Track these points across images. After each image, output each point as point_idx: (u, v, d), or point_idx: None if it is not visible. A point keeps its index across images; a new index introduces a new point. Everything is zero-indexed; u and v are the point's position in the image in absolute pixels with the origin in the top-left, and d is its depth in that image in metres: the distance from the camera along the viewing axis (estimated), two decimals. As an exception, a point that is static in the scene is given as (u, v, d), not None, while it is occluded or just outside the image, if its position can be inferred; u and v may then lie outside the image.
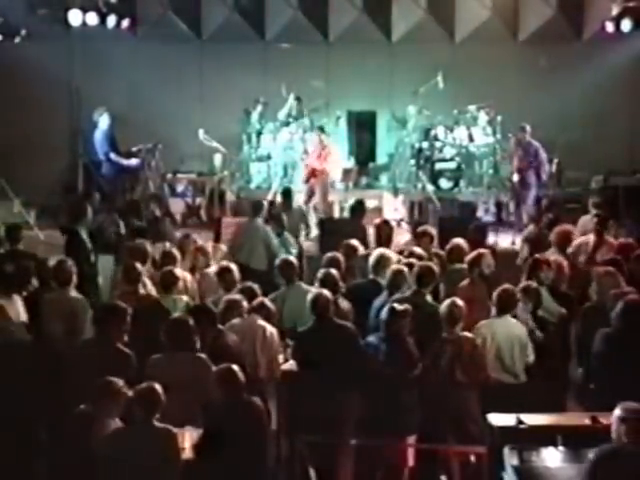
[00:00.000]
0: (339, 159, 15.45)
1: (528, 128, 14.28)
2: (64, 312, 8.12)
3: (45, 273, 8.64)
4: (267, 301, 8.18)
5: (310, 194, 14.63)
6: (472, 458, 7.28)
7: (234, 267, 9.04)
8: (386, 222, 10.68)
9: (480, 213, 14.52)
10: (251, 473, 6.43)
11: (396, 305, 7.65)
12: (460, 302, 7.73)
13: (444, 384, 7.49)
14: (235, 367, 6.58)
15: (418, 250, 9.63)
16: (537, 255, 9.35)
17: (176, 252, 9.64)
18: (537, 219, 11.87)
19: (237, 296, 8.08)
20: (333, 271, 8.74)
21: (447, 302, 7.79)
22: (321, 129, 15.20)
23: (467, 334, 7.67)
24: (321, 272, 8.76)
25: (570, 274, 9.21)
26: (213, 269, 9.59)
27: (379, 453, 7.42)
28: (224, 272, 8.97)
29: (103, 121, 14.05)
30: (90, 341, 7.76)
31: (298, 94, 16.38)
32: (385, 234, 10.08)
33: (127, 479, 6.20)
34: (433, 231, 10.68)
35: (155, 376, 6.70)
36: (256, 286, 8.47)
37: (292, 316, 8.50)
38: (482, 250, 9.21)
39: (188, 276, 9.42)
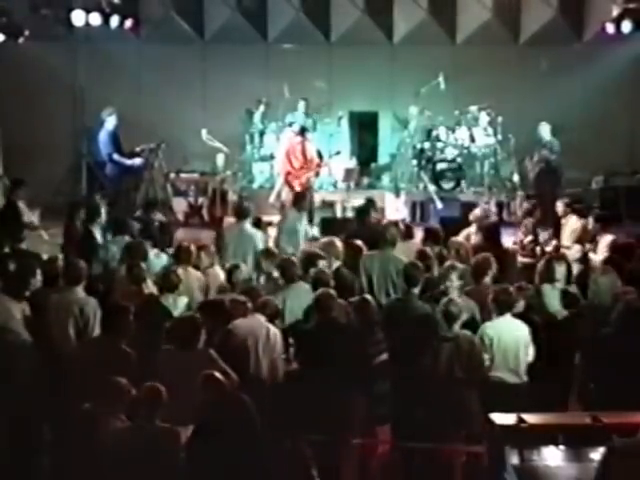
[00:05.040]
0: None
1: None
2: (73, 312, 8.12)
3: (53, 272, 8.66)
4: (271, 301, 8.22)
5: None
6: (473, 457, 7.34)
7: (244, 266, 9.11)
8: (395, 224, 10.64)
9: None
10: (243, 466, 6.45)
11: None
12: (458, 300, 7.80)
13: (444, 382, 7.55)
14: (216, 373, 6.63)
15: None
16: (554, 252, 9.41)
17: (193, 248, 9.68)
18: None
19: (242, 297, 8.12)
20: (326, 271, 8.80)
21: (444, 301, 7.86)
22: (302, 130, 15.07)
23: (465, 332, 7.74)
24: (314, 271, 8.81)
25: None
26: (217, 268, 9.65)
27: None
28: (234, 270, 9.04)
29: (110, 121, 14.05)
30: (93, 340, 7.81)
31: (301, 95, 16.46)
32: (391, 235, 10.03)
33: (130, 478, 6.24)
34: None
35: (165, 374, 6.77)
36: (260, 286, 8.52)
37: (293, 315, 8.54)
38: (486, 254, 9.20)
39: (198, 274, 9.45)
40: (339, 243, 9.81)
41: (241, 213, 11.31)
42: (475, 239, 10.96)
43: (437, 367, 7.55)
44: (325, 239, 10.25)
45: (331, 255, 9.46)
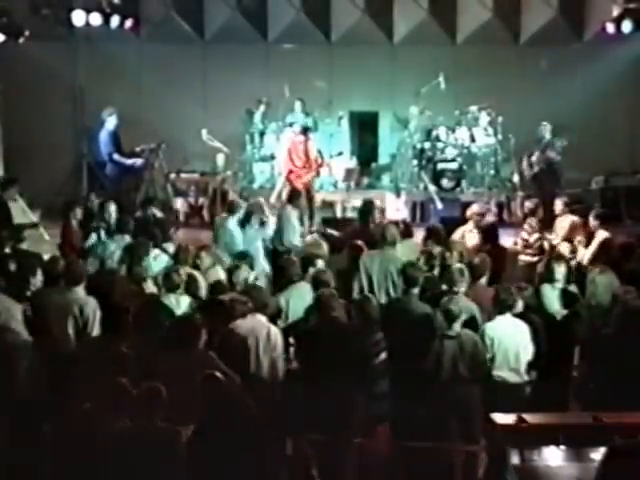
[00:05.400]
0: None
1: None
2: (73, 312, 8.13)
3: (53, 272, 8.66)
4: (273, 301, 8.22)
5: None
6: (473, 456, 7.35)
7: (245, 266, 9.12)
8: (395, 224, 10.61)
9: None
10: (243, 466, 6.45)
11: None
12: (460, 299, 7.82)
13: (445, 381, 7.57)
14: (217, 373, 6.63)
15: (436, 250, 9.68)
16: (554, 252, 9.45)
17: (192, 248, 9.72)
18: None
19: (242, 297, 8.11)
20: (328, 271, 8.80)
21: (444, 300, 7.87)
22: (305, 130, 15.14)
23: (467, 331, 7.76)
24: (314, 271, 8.81)
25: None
26: (218, 269, 9.64)
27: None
28: (235, 270, 9.05)
29: (111, 121, 14.07)
30: (93, 341, 7.81)
31: (301, 95, 16.47)
32: (391, 235, 10.03)
33: (131, 478, 6.24)
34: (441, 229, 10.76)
35: (165, 374, 6.78)
36: (261, 286, 8.52)
37: (296, 315, 8.54)
38: (483, 255, 9.18)
39: (197, 273, 9.45)
40: (324, 244, 9.87)
41: (229, 208, 11.39)
42: (471, 236, 10.97)
43: (441, 366, 7.59)
44: (309, 239, 10.30)
45: (317, 249, 9.53)
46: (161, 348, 7.31)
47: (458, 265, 8.88)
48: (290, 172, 14.55)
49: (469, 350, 7.62)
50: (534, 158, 14.98)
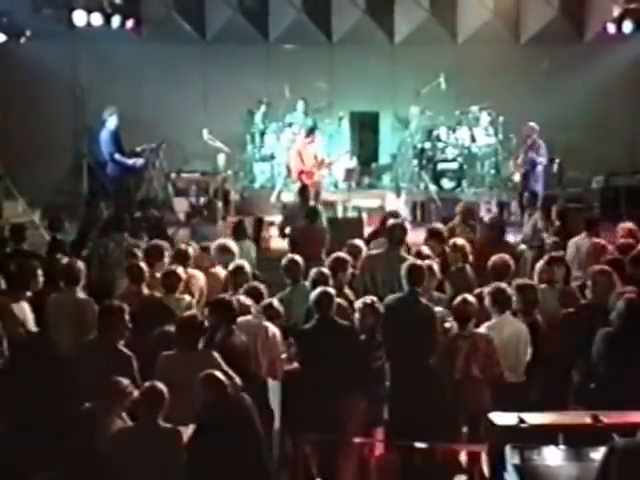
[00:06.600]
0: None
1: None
2: (70, 312, 8.14)
3: (55, 272, 8.66)
4: (275, 302, 8.21)
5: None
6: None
7: (247, 266, 9.12)
8: (401, 225, 10.55)
9: (482, 213, 14.55)
10: (243, 466, 6.46)
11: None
12: (472, 299, 7.82)
13: (461, 381, 7.60)
14: (217, 373, 6.63)
15: (426, 250, 9.67)
16: (553, 253, 9.47)
17: (190, 250, 9.70)
18: None
19: (247, 300, 8.10)
20: (325, 270, 8.77)
21: (458, 299, 7.88)
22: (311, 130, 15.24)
23: (481, 331, 7.77)
24: (314, 271, 8.78)
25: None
26: (219, 268, 9.65)
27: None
28: (237, 271, 9.05)
29: (112, 121, 14.07)
30: (90, 341, 7.79)
31: (302, 95, 16.49)
32: (397, 236, 9.98)
33: (132, 478, 6.25)
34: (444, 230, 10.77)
35: (167, 374, 6.78)
36: (262, 286, 8.52)
37: (298, 316, 8.54)
38: (504, 256, 9.12)
39: (198, 274, 9.45)
40: (231, 244, 9.91)
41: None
42: (459, 230, 10.99)
43: (454, 365, 7.60)
44: (218, 241, 10.16)
45: (225, 255, 9.60)
46: (162, 348, 7.31)
47: (428, 262, 8.88)
48: (301, 172, 14.63)
49: (483, 350, 7.64)
50: (519, 160, 15.01)
